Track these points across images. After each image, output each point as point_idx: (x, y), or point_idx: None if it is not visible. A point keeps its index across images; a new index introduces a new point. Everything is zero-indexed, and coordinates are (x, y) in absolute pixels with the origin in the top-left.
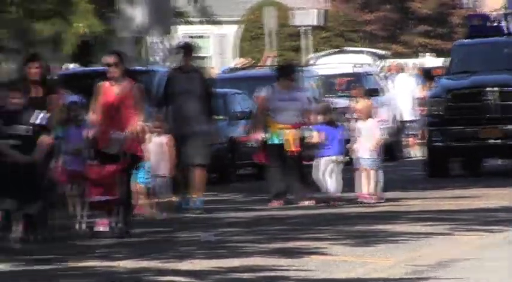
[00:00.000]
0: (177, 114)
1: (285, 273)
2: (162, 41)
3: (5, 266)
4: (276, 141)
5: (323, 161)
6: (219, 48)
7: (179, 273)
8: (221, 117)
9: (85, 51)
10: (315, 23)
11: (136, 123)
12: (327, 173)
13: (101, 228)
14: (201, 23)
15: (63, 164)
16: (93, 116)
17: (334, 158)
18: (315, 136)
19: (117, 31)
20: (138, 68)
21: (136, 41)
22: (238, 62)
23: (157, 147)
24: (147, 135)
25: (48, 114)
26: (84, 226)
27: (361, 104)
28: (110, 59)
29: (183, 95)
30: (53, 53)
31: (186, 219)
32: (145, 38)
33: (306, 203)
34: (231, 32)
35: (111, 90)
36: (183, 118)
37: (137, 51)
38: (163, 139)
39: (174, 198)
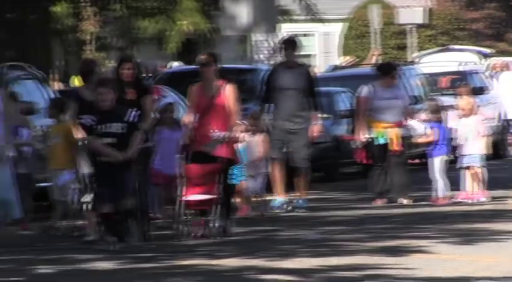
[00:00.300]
0: (280, 110)
1: (389, 272)
2: (267, 39)
3: (109, 265)
4: (382, 141)
5: (436, 161)
6: (323, 47)
7: (283, 271)
8: (326, 115)
9: (189, 49)
10: (420, 21)
11: (233, 123)
12: (441, 172)
13: (199, 228)
14: (305, 20)
15: (157, 165)
16: (188, 116)
17: (445, 156)
18: (427, 135)
19: (222, 29)
20: (242, 66)
21: (241, 39)
22: (343, 60)
23: (252, 145)
24: (242, 135)
25: (139, 112)
26: (182, 225)
27: (464, 101)
28: (203, 59)
29: (287, 90)
30: (157, 51)
31: (288, 217)
32: (249, 36)
33: (405, 201)
34: (336, 30)
35: (204, 90)
36: (286, 114)
37: (242, 49)
38: (259, 137)
39: (272, 197)
